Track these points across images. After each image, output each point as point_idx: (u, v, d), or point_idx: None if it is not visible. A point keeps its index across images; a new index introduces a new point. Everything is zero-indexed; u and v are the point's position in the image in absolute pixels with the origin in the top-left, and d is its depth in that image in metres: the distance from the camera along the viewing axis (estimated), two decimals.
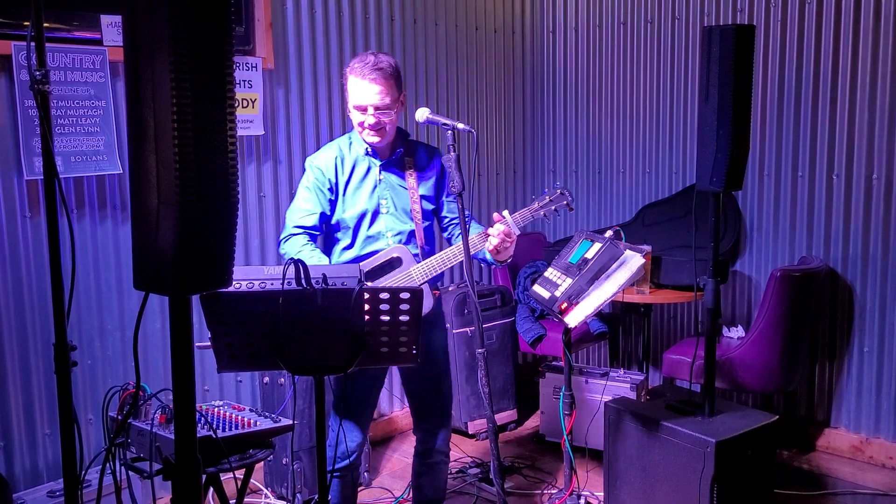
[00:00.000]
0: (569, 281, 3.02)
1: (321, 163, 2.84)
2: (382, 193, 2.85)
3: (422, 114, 2.73)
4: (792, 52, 4.06)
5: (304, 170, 3.92)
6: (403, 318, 2.16)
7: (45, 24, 2.08)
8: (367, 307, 2.13)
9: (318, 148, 3.93)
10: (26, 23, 2.99)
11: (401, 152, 2.88)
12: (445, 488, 3.17)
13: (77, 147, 3.09)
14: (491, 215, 3.70)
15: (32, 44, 2.01)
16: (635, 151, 4.79)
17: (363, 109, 2.73)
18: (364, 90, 2.70)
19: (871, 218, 3.89)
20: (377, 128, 2.75)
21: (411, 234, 2.89)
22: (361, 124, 2.76)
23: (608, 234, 3.11)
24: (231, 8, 1.41)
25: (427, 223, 2.95)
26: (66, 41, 3.04)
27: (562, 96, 5.11)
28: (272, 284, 2.09)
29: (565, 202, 3.01)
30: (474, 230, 2.92)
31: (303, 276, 2.06)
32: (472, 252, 2.80)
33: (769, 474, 3.16)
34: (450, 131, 2.64)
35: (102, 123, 3.15)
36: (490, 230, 2.80)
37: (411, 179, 2.89)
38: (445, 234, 3.09)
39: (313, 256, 2.70)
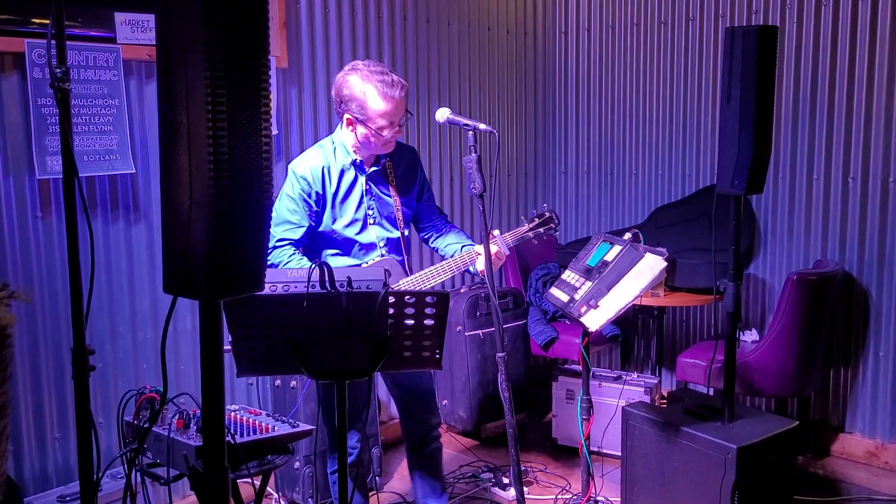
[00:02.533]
0: (588, 284, 2.99)
1: (307, 172, 2.79)
2: (369, 204, 2.87)
3: (442, 114, 2.70)
4: (808, 53, 4.03)
5: None
6: (428, 322, 2.13)
7: None
8: (391, 311, 2.09)
9: None
10: (35, 20, 2.99)
11: (384, 162, 2.90)
12: (444, 481, 3.16)
13: (90, 146, 3.05)
14: (502, 218, 3.69)
15: (52, 41, 1.96)
16: (648, 153, 4.75)
17: (392, 125, 2.73)
18: (396, 106, 2.71)
19: (888, 221, 3.85)
20: (395, 140, 2.79)
21: (396, 241, 2.92)
22: (384, 141, 2.75)
23: (627, 236, 3.08)
24: (267, 5, 1.37)
25: (407, 230, 2.99)
26: (79, 39, 3.00)
27: (574, 97, 5.08)
28: (295, 287, 2.05)
29: (552, 225, 3.08)
30: (456, 239, 3.00)
31: (327, 279, 2.02)
32: (460, 269, 2.88)
33: (789, 481, 3.13)
34: (471, 132, 2.61)
35: (116, 122, 3.10)
36: (480, 249, 2.79)
37: (393, 188, 2.92)
38: (422, 235, 3.12)
39: (302, 266, 2.69)
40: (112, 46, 3.08)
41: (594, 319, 2.89)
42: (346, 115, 2.77)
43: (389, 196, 2.90)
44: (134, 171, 3.19)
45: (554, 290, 3.16)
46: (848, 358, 4.05)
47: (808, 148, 4.08)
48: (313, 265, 2.02)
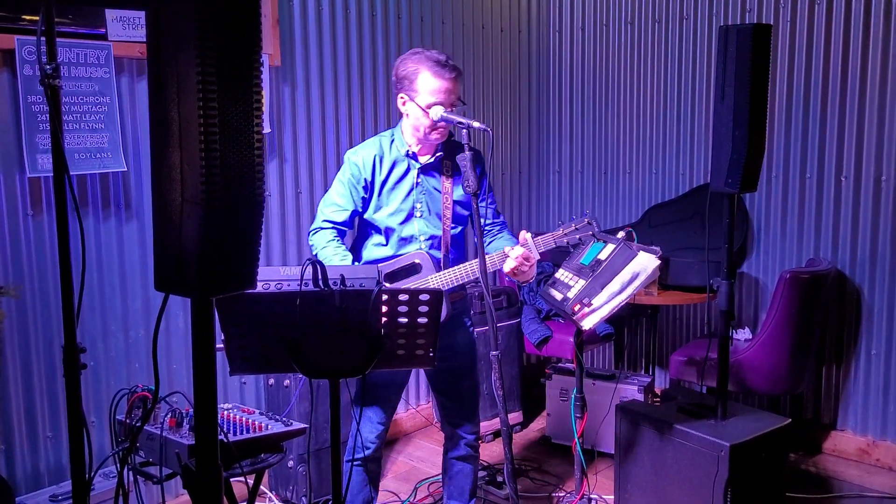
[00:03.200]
0: (582, 282, 2.98)
1: (359, 159, 2.81)
2: (418, 197, 2.84)
3: (436, 112, 2.68)
4: (801, 52, 4.03)
5: (311, 168, 3.90)
6: (422, 319, 2.12)
7: None
8: (385, 309, 2.08)
9: (325, 146, 3.91)
10: (26, 16, 2.97)
11: (440, 156, 2.86)
12: (474, 490, 3.12)
13: (81, 144, 3.03)
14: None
15: (42, 38, 1.95)
16: (641, 152, 4.76)
17: (441, 106, 2.70)
18: (447, 87, 2.69)
19: (880, 220, 3.87)
20: (447, 128, 2.77)
21: (440, 238, 2.88)
22: (433, 123, 2.72)
23: (620, 234, 3.07)
24: (260, 3, 1.37)
25: (458, 229, 2.92)
26: (69, 36, 2.99)
27: (567, 96, 5.08)
28: (289, 285, 2.05)
29: (591, 232, 2.93)
30: (508, 242, 2.90)
31: (320, 276, 2.02)
32: (489, 269, 2.75)
33: (781, 478, 3.13)
34: (465, 130, 2.59)
35: (107, 120, 3.09)
36: (509, 252, 2.75)
37: (447, 184, 2.87)
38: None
39: (337, 253, 2.73)
40: (103, 44, 3.06)
41: (588, 318, 2.88)
42: (400, 95, 2.77)
43: (440, 192, 2.86)
44: (125, 169, 3.18)
45: (548, 289, 3.15)
46: (840, 356, 4.07)
47: (801, 147, 4.08)
48: (306, 263, 2.01)
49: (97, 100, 3.06)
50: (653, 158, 4.70)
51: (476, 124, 2.58)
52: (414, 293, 2.09)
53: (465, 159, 2.56)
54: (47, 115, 2.86)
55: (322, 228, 2.82)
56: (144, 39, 3.22)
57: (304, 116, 3.82)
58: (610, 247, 3.01)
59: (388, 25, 4.15)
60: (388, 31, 4.15)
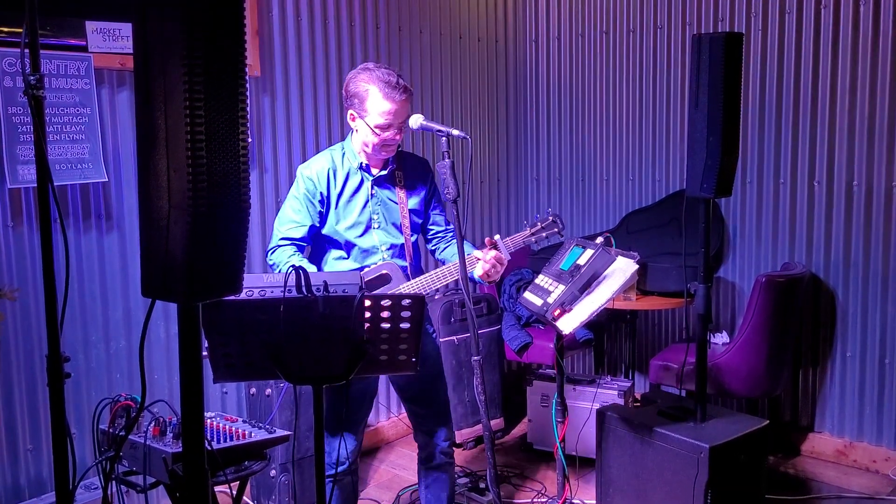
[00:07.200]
0: (561, 288, 3.02)
1: (313, 173, 2.82)
2: (374, 209, 2.86)
3: (415, 120, 2.72)
4: (773, 60, 4.11)
5: (291, 178, 3.90)
6: (404, 325, 2.14)
7: None
8: (367, 314, 2.10)
9: (305, 156, 3.93)
10: (4, 28, 2.97)
11: (392, 168, 2.89)
12: (451, 497, 3.12)
13: (62, 155, 3.03)
14: (475, 224, 3.60)
15: (26, 50, 1.95)
16: (618, 159, 4.81)
17: (388, 128, 2.73)
18: (396, 110, 2.71)
19: (853, 224, 3.94)
20: (396, 144, 2.79)
21: (401, 247, 2.91)
22: (382, 141, 2.75)
23: (599, 240, 3.12)
24: (244, 11, 1.39)
25: (415, 236, 2.98)
26: (50, 48, 2.99)
27: (545, 105, 5.13)
28: (272, 292, 2.06)
29: (556, 230, 3.04)
30: (466, 247, 2.92)
31: (304, 283, 2.04)
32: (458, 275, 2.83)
33: (760, 479, 3.18)
34: (444, 138, 2.63)
35: (88, 131, 3.09)
36: (479, 254, 2.79)
37: (401, 193, 2.91)
38: (430, 247, 3.10)
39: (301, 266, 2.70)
40: (84, 55, 3.07)
41: (568, 322, 2.92)
42: (350, 111, 2.80)
43: (396, 202, 2.90)
44: (106, 179, 3.18)
45: (528, 295, 3.18)
46: (816, 358, 4.13)
47: (774, 152, 4.15)
48: (290, 269, 2.03)
49: (78, 111, 3.06)
50: (629, 165, 4.76)
51: (455, 132, 2.62)
52: (396, 298, 2.11)
53: (444, 167, 2.60)
54: (28, 127, 2.88)
55: (280, 246, 2.80)
56: (125, 51, 3.24)
57: (284, 126, 3.83)
58: (589, 252, 3.05)
59: (367, 35, 4.18)
60: (367, 41, 4.18)
